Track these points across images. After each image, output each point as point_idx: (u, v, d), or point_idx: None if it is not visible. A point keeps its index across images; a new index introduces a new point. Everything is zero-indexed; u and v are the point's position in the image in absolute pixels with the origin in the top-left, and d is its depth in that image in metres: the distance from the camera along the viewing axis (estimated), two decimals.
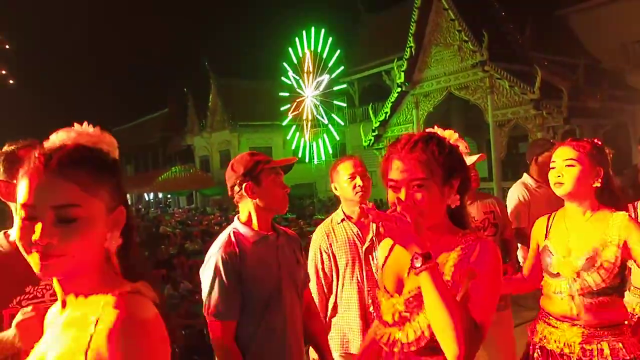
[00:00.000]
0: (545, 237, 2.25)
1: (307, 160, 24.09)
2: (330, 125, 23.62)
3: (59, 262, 0.94)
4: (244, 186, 2.14)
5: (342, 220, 2.82)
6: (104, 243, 1.00)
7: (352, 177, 2.75)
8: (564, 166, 2.10)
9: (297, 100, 24.13)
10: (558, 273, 2.11)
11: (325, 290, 2.80)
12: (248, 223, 2.18)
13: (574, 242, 2.11)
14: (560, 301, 2.11)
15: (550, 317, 2.17)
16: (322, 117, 23.62)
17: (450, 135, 1.55)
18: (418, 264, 1.33)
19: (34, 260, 0.94)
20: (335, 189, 2.86)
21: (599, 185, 2.09)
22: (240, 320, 2.05)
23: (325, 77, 23.21)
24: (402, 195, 1.41)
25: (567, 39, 17.80)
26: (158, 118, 38.18)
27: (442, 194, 1.43)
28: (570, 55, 16.16)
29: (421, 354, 1.41)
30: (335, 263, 2.76)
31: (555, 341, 2.11)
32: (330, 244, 2.77)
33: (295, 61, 23.94)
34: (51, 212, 0.94)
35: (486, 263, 1.37)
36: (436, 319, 1.31)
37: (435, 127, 1.62)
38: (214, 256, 2.07)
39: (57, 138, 1.03)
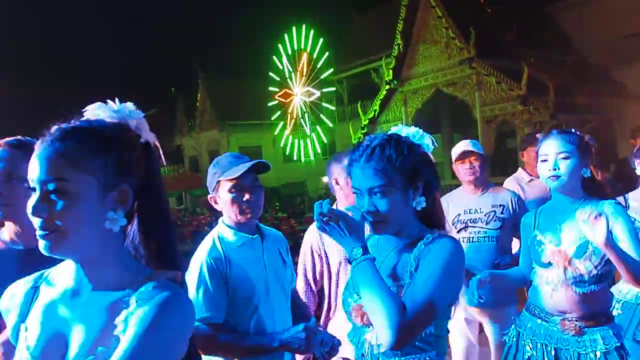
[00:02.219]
0: (534, 229, 2.26)
1: (296, 158, 24.10)
2: (322, 115, 23.63)
3: (53, 238, 0.93)
4: (209, 198, 2.18)
5: None
6: (103, 222, 0.97)
7: None
8: (559, 159, 2.09)
9: (286, 90, 24.14)
10: (550, 262, 2.12)
11: (314, 290, 2.72)
12: (231, 225, 2.15)
13: (564, 231, 2.12)
14: (552, 292, 2.11)
15: (539, 310, 2.17)
16: (306, 125, 23.63)
17: (413, 133, 1.52)
18: (355, 256, 1.37)
19: (38, 236, 0.94)
20: (337, 184, 2.67)
21: (589, 175, 2.11)
22: (231, 324, 2.02)
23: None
24: (365, 202, 1.42)
25: (554, 35, 17.88)
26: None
27: (405, 198, 1.43)
28: (557, 51, 16.28)
29: (390, 355, 1.40)
30: (327, 263, 2.66)
31: (548, 335, 2.12)
32: (322, 243, 2.65)
33: (285, 58, 24.01)
34: (42, 186, 0.93)
35: (436, 258, 1.37)
36: (370, 309, 1.33)
37: (399, 125, 1.60)
38: (198, 261, 2.04)
39: (88, 114, 1.02)
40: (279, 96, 24.13)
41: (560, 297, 2.09)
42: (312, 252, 2.70)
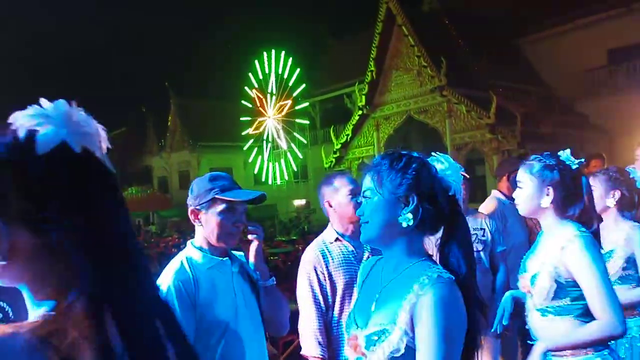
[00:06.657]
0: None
1: (270, 182, 24.04)
2: (293, 145, 23.65)
3: None
4: (189, 210, 2.07)
5: (336, 239, 2.64)
6: None
7: (354, 194, 2.55)
8: (518, 187, 2.15)
9: (259, 120, 24.13)
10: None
11: (325, 311, 2.56)
12: (202, 247, 2.08)
13: (531, 259, 2.17)
14: (528, 318, 2.15)
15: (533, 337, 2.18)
16: (282, 140, 23.64)
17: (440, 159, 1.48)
18: None
19: None
20: (331, 206, 2.63)
21: (548, 205, 2.03)
22: (196, 350, 1.94)
23: (288, 102, 23.34)
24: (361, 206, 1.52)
25: (521, 67, 18.44)
26: (115, 137, 37.45)
27: (392, 208, 1.40)
28: (524, 82, 16.77)
29: None
30: (332, 284, 2.56)
31: None
32: (326, 265, 2.57)
33: (256, 83, 24.02)
34: None
35: (433, 325, 1.30)
36: None
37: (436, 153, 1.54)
38: (165, 283, 1.95)
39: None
40: (253, 129, 24.03)
41: (532, 322, 2.11)
42: (316, 273, 2.57)
